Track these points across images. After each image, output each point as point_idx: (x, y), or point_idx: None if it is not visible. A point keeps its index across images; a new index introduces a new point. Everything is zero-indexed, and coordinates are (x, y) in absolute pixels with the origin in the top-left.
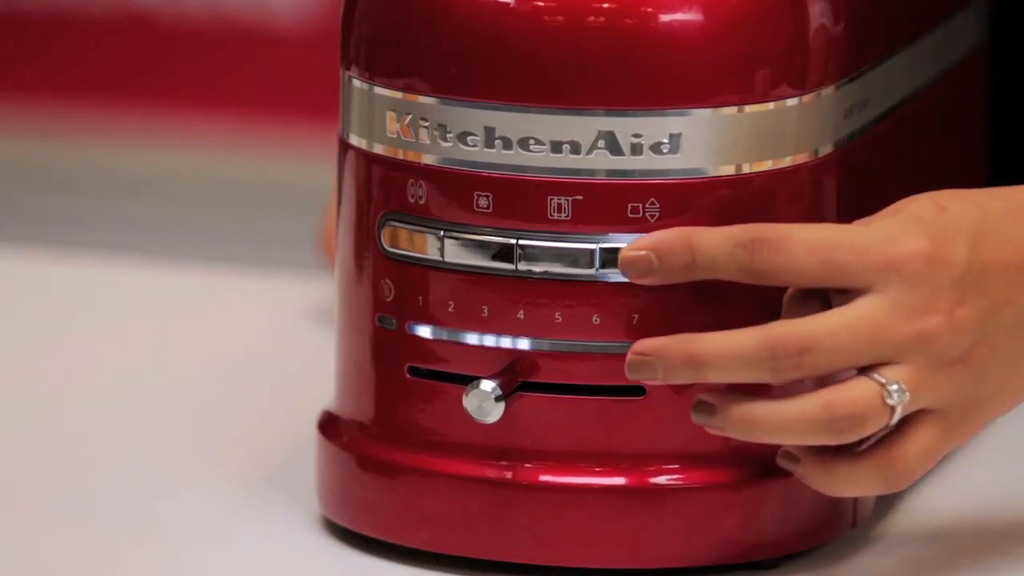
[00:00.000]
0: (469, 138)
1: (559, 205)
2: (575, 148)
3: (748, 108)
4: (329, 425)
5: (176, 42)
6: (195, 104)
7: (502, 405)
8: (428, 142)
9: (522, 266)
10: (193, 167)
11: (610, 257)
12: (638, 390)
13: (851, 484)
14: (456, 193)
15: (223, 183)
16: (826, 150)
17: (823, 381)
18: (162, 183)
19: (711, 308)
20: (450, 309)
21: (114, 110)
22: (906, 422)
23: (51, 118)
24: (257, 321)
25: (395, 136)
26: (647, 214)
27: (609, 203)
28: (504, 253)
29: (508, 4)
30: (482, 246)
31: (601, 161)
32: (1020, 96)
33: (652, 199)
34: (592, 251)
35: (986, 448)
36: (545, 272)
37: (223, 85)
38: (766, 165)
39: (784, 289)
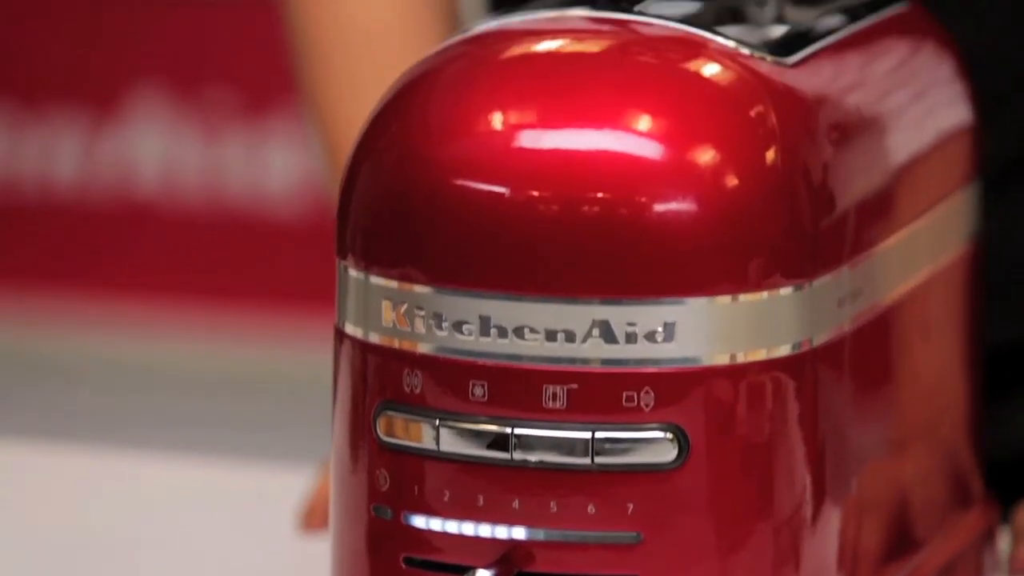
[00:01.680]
0: (464, 327)
1: (554, 394)
2: (570, 337)
3: (742, 297)
4: None
5: (175, 232)
6: (191, 293)
7: None
8: (423, 331)
9: (517, 455)
10: (189, 357)
11: (605, 446)
12: None
13: None
14: (451, 382)
15: (219, 372)
16: (820, 339)
17: None
18: (159, 373)
19: (711, 499)
20: (445, 499)
21: (111, 300)
22: None
23: (49, 308)
24: (253, 513)
25: (391, 325)
26: (642, 403)
27: (604, 392)
28: (499, 442)
29: (503, 194)
30: (477, 435)
31: (596, 350)
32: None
33: (647, 388)
34: (587, 440)
35: None
36: (540, 461)
37: (220, 274)
38: (760, 354)
39: None
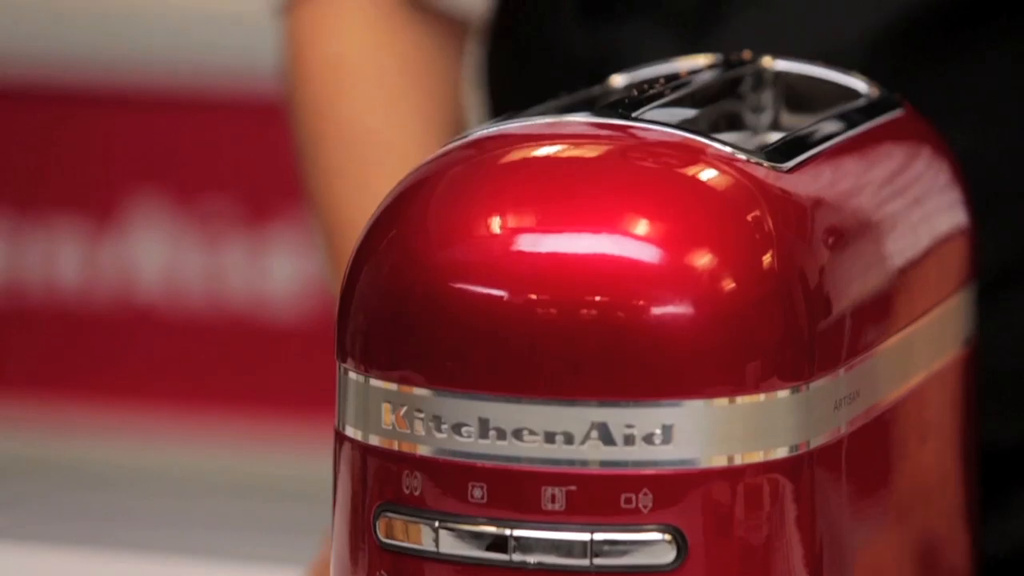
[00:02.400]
0: (463, 429)
1: (553, 496)
2: (568, 439)
3: (740, 399)
4: None
5: (176, 336)
6: (194, 398)
7: None
8: (423, 433)
9: (516, 557)
10: (192, 462)
11: (603, 548)
12: None
13: None
14: (451, 484)
15: (221, 477)
16: (817, 442)
17: None
18: (162, 476)
19: None
20: None
21: (113, 403)
22: None
23: (52, 413)
24: None
25: (390, 427)
26: (640, 505)
27: (602, 494)
28: (498, 544)
29: (502, 297)
30: (477, 537)
31: (594, 452)
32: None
33: (645, 490)
34: (586, 542)
35: None
36: (539, 563)
37: (222, 378)
38: (758, 456)
39: None
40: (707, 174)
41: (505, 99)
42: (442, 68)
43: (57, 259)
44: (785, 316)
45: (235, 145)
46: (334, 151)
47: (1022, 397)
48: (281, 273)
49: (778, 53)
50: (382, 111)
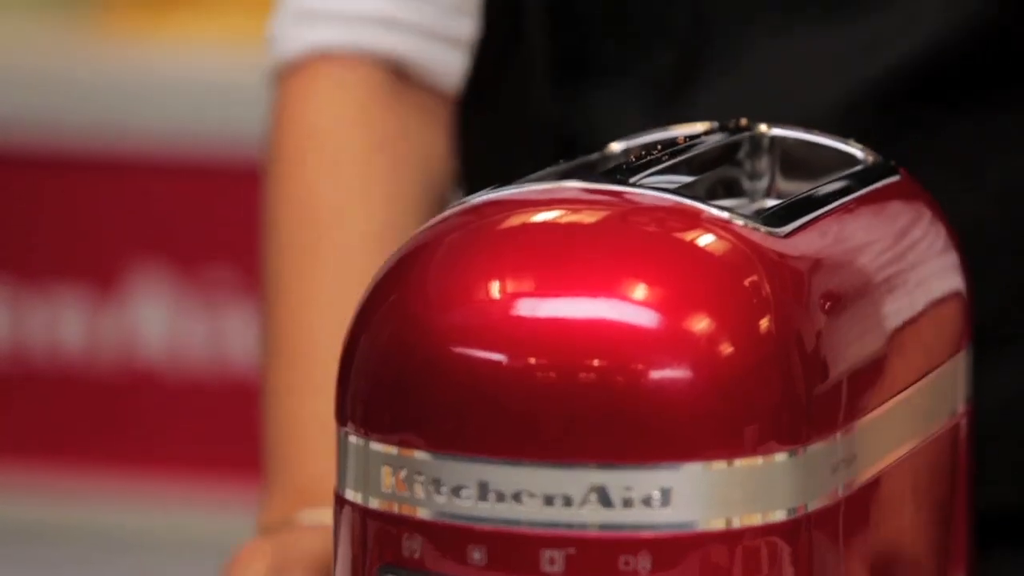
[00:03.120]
0: (463, 492)
1: (551, 558)
2: (567, 501)
3: (738, 462)
4: None
5: (179, 400)
6: (196, 463)
7: None
8: (423, 496)
9: None
10: (196, 524)
11: None
12: None
13: None
14: (450, 546)
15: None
16: (815, 505)
17: None
18: (165, 541)
19: None
20: None
21: (116, 470)
22: None
23: (55, 478)
24: None
25: (390, 490)
26: (639, 567)
27: (601, 556)
28: None
29: (501, 362)
30: None
31: (593, 514)
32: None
33: (644, 552)
34: None
35: None
36: None
37: (225, 442)
38: (756, 519)
39: None
40: (705, 239)
41: (478, 167)
42: (426, 141)
43: (59, 329)
44: (783, 380)
45: (234, 213)
46: (288, 222)
47: (998, 460)
48: None
49: (751, 119)
50: (344, 184)
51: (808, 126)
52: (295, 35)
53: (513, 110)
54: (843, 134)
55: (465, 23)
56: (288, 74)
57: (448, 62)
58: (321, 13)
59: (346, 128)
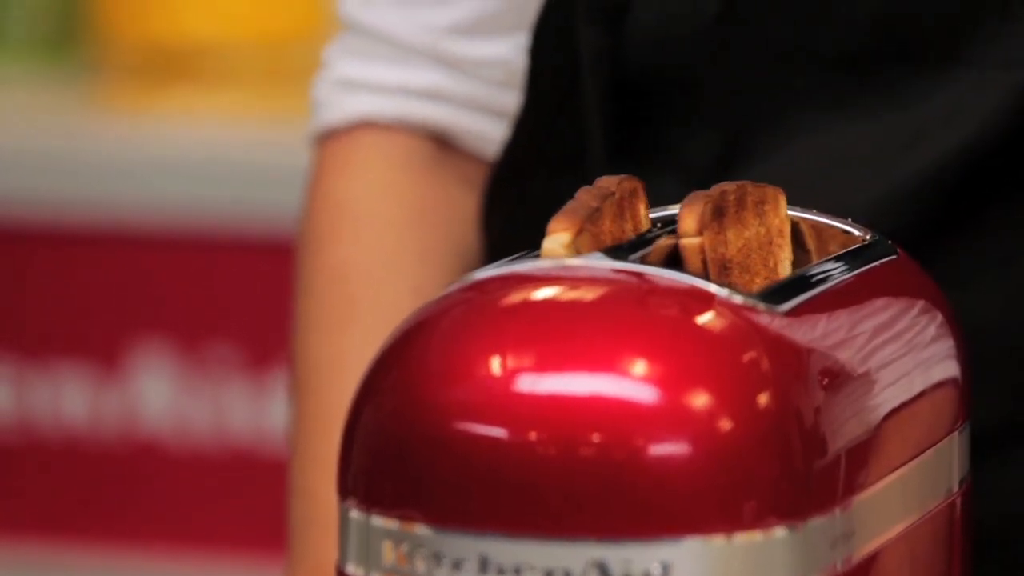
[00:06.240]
0: (464, 566)
1: None
2: (568, 575)
3: (737, 538)
4: None
5: (181, 474)
6: (199, 538)
7: None
8: (424, 571)
9: None
10: None
11: None
12: None
13: None
14: None
15: None
16: None
17: None
18: None
19: None
20: None
21: (120, 545)
22: None
23: (59, 552)
24: None
25: (391, 565)
26: None
27: None
28: None
29: (501, 437)
30: None
31: None
32: None
33: None
34: None
35: None
36: None
37: (229, 516)
38: None
39: None
40: (704, 316)
41: (504, 241)
42: (467, 208)
43: (63, 402)
44: (782, 455)
45: (236, 288)
46: (318, 290)
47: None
48: (284, 414)
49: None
50: (377, 253)
51: (845, 217)
52: (340, 101)
53: (566, 186)
54: (882, 227)
55: (511, 97)
56: (330, 140)
57: (493, 131)
58: (366, 84)
59: (379, 194)
